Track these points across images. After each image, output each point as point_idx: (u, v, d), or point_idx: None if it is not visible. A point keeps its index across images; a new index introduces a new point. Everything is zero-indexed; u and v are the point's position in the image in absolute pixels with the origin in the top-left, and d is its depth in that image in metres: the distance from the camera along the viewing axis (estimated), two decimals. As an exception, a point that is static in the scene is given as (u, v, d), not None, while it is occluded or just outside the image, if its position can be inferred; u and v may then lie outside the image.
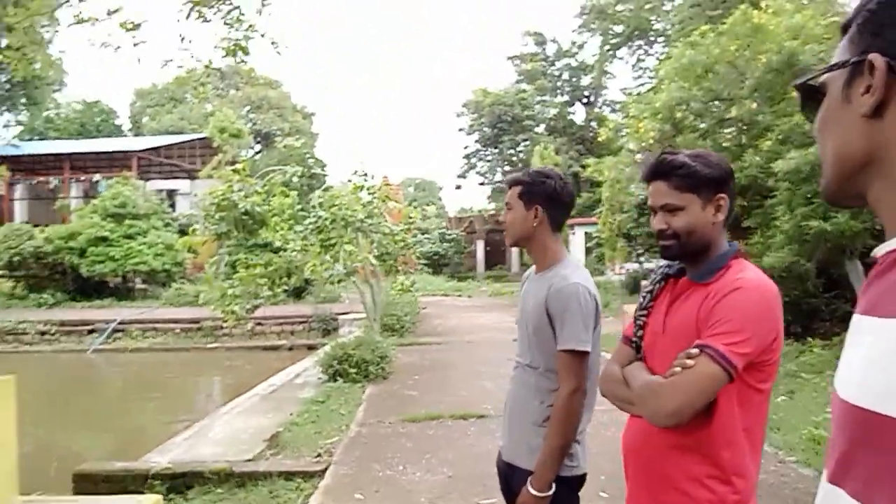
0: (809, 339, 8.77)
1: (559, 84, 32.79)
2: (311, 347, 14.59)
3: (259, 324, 16.31)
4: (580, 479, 2.27)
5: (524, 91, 30.40)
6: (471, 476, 4.93)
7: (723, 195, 1.69)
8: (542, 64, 32.39)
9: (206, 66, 7.65)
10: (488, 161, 32.04)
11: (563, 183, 2.34)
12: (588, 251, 23.84)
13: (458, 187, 34.29)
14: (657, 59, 25.77)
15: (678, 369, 1.54)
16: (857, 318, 0.72)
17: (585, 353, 2.18)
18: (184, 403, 11.42)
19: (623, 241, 12.22)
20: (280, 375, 9.75)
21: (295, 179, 9.43)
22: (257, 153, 41.89)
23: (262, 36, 7.26)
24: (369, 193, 9.69)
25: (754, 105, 9.32)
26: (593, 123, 31.90)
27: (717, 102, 10.17)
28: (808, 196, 7.73)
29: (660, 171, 1.72)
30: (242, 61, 7.13)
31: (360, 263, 8.76)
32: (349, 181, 9.77)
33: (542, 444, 2.19)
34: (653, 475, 1.69)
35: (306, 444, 5.96)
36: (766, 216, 8.71)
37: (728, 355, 1.50)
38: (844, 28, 0.78)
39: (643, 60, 27.87)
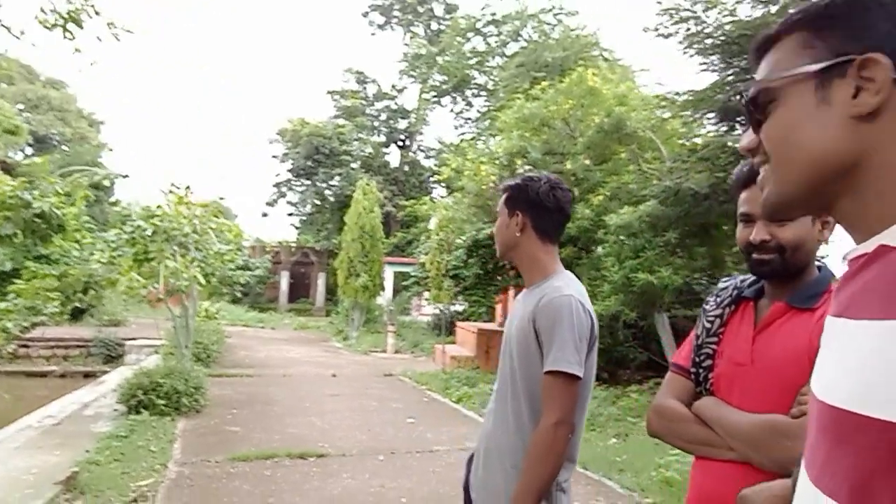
0: (619, 385, 9.30)
1: (377, 124, 32.98)
2: (89, 375, 13.03)
3: (24, 346, 14.13)
4: None
5: (343, 126, 30.11)
6: (327, 523, 4.40)
7: None
8: (362, 102, 32.46)
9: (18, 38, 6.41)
10: (300, 191, 31.10)
11: (548, 187, 2.10)
12: (396, 291, 23.85)
13: (265, 215, 32.86)
14: (478, 111, 27.03)
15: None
16: (830, 321, 0.72)
17: (575, 378, 1.88)
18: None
19: (450, 281, 12.28)
20: (58, 405, 8.35)
21: (107, 182, 8.23)
22: (29, 156, 37.17)
23: (98, 14, 6.23)
24: (189, 208, 8.76)
25: (587, 161, 9.89)
26: (406, 167, 32.42)
27: (550, 156, 10.67)
28: (637, 249, 8.24)
29: None
30: (72, 36, 6.03)
31: (186, 282, 7.77)
32: (170, 192, 8.75)
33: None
34: None
35: (113, 486, 5.02)
36: (595, 265, 9.17)
37: None
38: (769, 41, 0.77)
39: (466, 111, 29.09)
